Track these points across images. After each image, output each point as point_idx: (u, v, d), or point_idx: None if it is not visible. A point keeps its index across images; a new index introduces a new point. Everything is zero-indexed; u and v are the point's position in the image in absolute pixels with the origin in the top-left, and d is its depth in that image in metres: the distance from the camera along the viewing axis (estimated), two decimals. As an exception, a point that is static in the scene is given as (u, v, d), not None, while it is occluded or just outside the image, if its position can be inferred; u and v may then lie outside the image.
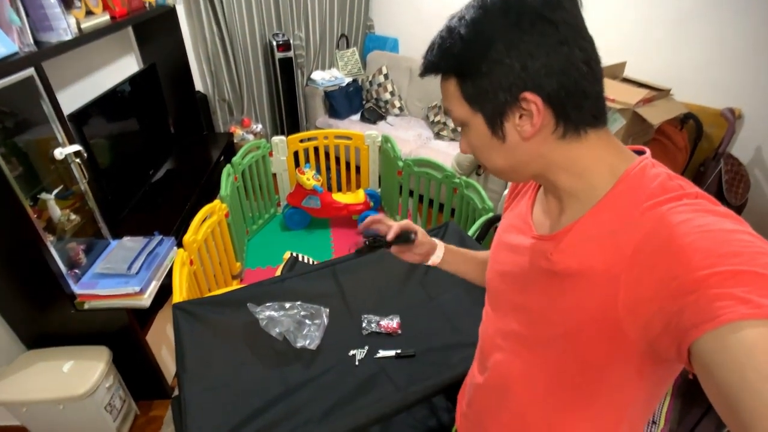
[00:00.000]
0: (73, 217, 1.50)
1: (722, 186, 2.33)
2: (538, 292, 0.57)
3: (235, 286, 2.24)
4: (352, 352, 1.06)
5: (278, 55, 2.97)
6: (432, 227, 1.50)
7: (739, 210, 2.32)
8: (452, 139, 3.06)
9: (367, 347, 1.07)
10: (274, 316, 1.09)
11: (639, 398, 0.53)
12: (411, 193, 2.57)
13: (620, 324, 0.46)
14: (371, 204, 2.71)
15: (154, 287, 1.53)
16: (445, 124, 3.06)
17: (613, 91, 2.18)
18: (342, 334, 1.12)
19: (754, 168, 2.39)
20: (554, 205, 0.57)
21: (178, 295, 1.46)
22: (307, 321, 1.10)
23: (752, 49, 2.20)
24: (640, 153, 0.52)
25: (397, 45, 3.60)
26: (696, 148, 2.46)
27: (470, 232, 1.73)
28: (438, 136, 3.11)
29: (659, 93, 2.19)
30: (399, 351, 1.06)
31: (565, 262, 0.52)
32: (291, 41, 3.01)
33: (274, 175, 2.72)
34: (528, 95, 0.47)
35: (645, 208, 0.45)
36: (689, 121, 2.41)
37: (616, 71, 2.37)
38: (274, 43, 2.95)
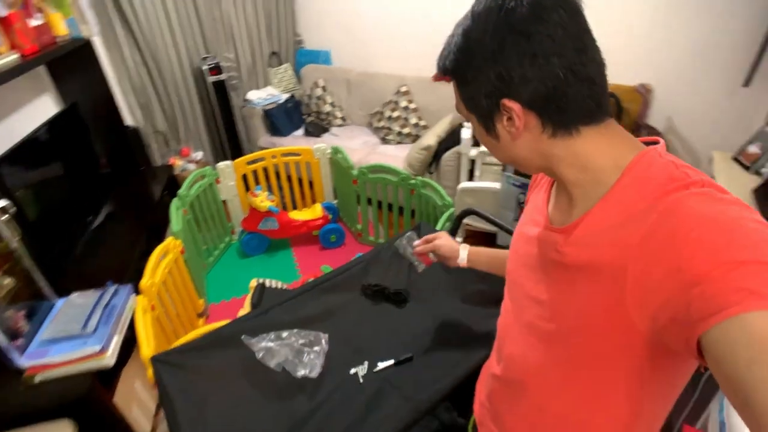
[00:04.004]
0: (6, 280, 1.34)
1: (650, 154, 2.54)
2: (551, 285, 0.58)
3: (202, 325, 2.11)
4: (353, 371, 1.03)
5: (210, 78, 2.86)
6: (403, 231, 1.50)
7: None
8: (399, 143, 3.09)
9: (367, 362, 1.04)
10: (272, 347, 1.03)
11: (656, 391, 0.53)
12: (369, 201, 2.56)
13: (629, 316, 0.46)
14: (330, 217, 2.67)
15: (116, 343, 1.41)
16: (389, 129, 3.09)
17: (544, 78, 2.32)
18: (339, 354, 1.08)
19: (669, 135, 2.62)
20: (565, 198, 0.58)
21: (146, 345, 1.35)
22: (306, 348, 1.05)
23: (655, 27, 2.43)
24: (653, 144, 0.52)
25: (329, 57, 3.59)
26: (619, 122, 2.67)
27: (438, 226, 1.74)
28: (384, 141, 3.13)
29: (584, 76, 2.35)
30: (396, 358, 1.05)
31: (574, 255, 0.53)
32: (221, 64, 2.90)
33: (225, 202, 2.60)
34: (506, 102, 0.50)
35: (652, 199, 0.45)
36: (610, 99, 2.61)
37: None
38: (205, 68, 2.84)
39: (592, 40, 0.49)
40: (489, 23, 0.48)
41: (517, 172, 2.02)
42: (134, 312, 1.47)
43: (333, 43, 3.55)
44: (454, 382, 0.98)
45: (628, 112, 2.59)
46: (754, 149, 2.06)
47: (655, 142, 0.51)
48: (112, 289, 1.53)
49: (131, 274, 1.73)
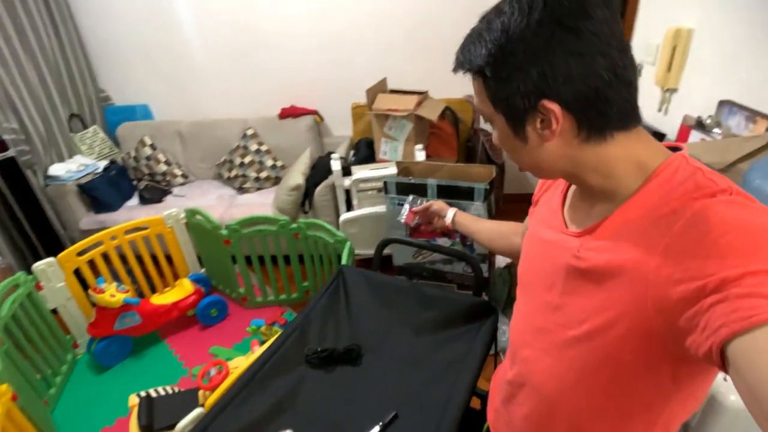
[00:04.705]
0: None
1: (487, 152, 2.89)
2: (567, 289, 0.56)
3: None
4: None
5: (-9, 159, 2.19)
6: (324, 284, 1.35)
7: (502, 167, 2.93)
8: (259, 189, 2.87)
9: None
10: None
11: (673, 400, 0.52)
12: (248, 259, 2.28)
13: (650, 323, 0.45)
14: (203, 290, 2.29)
15: None
16: (245, 176, 2.83)
17: (392, 102, 2.43)
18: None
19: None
20: (584, 203, 0.57)
21: None
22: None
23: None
24: (676, 149, 0.51)
25: (149, 111, 3.14)
26: (458, 130, 2.99)
27: (344, 261, 1.57)
28: (242, 190, 2.86)
29: (422, 96, 2.55)
30: (381, 422, 0.92)
31: (593, 260, 0.52)
32: (3, 137, 2.25)
33: (54, 311, 1.99)
34: (546, 103, 0.47)
35: (678, 204, 0.45)
36: (447, 112, 2.90)
37: (382, 86, 2.64)
38: (-21, 146, 2.16)
39: (628, 42, 0.48)
40: (533, 17, 0.44)
41: (401, 188, 2.05)
42: None
43: (150, 95, 3.12)
44: (456, 419, 0.90)
45: (464, 121, 2.92)
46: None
47: (679, 148, 0.51)
48: None
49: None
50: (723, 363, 0.37)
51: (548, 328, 0.60)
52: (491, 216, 2.00)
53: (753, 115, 1.39)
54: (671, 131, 1.78)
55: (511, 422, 0.71)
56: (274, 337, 1.19)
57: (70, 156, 2.82)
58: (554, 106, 0.46)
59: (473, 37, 0.50)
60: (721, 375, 0.84)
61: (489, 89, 0.51)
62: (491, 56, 0.48)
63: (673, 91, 1.81)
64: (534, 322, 0.64)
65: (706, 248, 0.40)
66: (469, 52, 0.50)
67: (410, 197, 1.27)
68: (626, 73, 0.47)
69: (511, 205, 2.99)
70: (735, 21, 1.46)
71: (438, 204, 1.13)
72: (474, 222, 1.06)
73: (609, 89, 0.46)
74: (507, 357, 0.75)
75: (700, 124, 1.59)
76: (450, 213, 1.09)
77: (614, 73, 0.46)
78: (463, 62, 0.52)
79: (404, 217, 1.20)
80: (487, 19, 0.49)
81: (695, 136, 1.61)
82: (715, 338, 0.37)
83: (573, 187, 0.62)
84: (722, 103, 1.53)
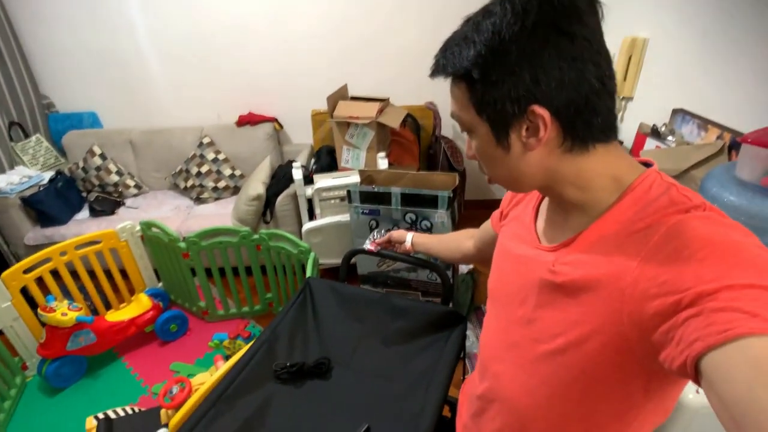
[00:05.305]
0: None
1: (449, 159, 2.98)
2: (541, 303, 0.56)
3: None
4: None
5: None
6: (291, 297, 1.36)
7: (463, 173, 3.02)
8: (217, 199, 2.81)
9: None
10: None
11: (643, 411, 0.52)
12: (209, 272, 2.24)
13: (625, 338, 0.45)
14: (161, 305, 2.23)
15: None
16: (202, 186, 2.77)
17: (353, 110, 2.46)
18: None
19: (458, 140, 3.14)
20: (558, 216, 0.56)
21: None
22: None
23: (427, 52, 2.86)
24: (647, 165, 0.52)
25: (97, 119, 3.00)
26: (420, 138, 3.06)
27: (308, 273, 1.57)
28: (199, 200, 2.79)
29: (384, 103, 2.59)
30: None
31: (568, 274, 0.52)
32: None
33: (0, 332, 1.88)
34: (536, 108, 0.46)
35: (652, 219, 0.45)
36: (408, 119, 2.96)
37: (343, 93, 2.66)
38: None
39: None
40: (528, 19, 0.43)
41: (364, 197, 2.08)
42: None
43: (97, 102, 2.98)
44: (429, 427, 0.92)
45: (425, 128, 2.98)
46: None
47: (650, 164, 0.52)
48: None
49: None
50: (697, 376, 0.37)
51: (521, 343, 0.60)
52: (454, 222, 2.06)
53: (704, 123, 1.46)
54: (627, 139, 1.85)
55: None
56: (240, 352, 1.18)
57: (12, 167, 2.65)
58: (544, 112, 0.46)
59: (457, 40, 0.48)
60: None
61: (474, 93, 0.49)
62: (481, 58, 0.46)
63: (629, 99, 1.88)
64: (506, 337, 0.64)
65: (682, 263, 0.40)
66: (453, 54, 0.48)
67: (375, 230, 1.34)
68: (611, 84, 0.47)
69: (473, 211, 3.08)
70: (688, 32, 1.52)
71: (397, 233, 1.19)
72: (431, 240, 1.12)
73: (597, 98, 0.46)
74: (476, 371, 0.74)
75: (655, 132, 1.65)
76: (408, 237, 1.15)
77: (602, 82, 0.46)
78: (445, 65, 0.50)
79: (368, 247, 1.26)
80: (473, 21, 0.47)
81: (650, 143, 1.67)
82: (689, 352, 0.37)
83: (545, 201, 0.62)
84: (675, 112, 1.58)
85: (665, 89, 1.68)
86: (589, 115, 0.47)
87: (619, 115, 1.96)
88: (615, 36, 1.91)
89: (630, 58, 1.81)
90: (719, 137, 1.42)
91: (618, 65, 1.87)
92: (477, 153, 0.54)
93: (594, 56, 0.45)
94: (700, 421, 0.92)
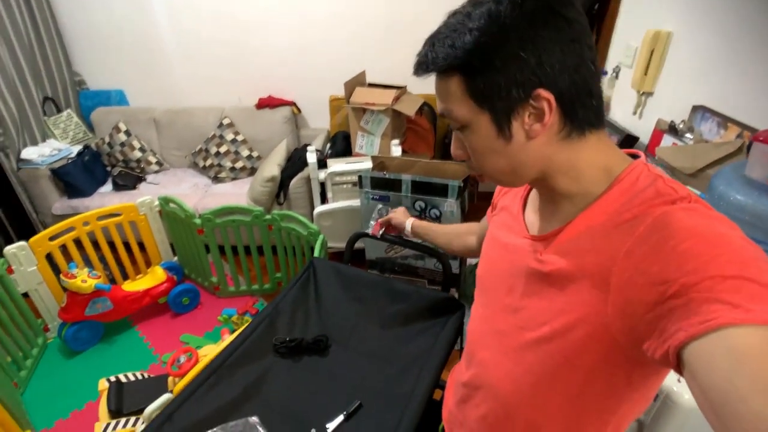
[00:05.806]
0: None
1: (464, 150, 2.97)
2: (528, 292, 0.57)
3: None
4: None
5: (-41, 141, 2.16)
6: (295, 275, 1.40)
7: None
8: (234, 179, 2.88)
9: (314, 430, 0.93)
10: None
11: (626, 400, 0.53)
12: (222, 249, 2.31)
13: (609, 327, 0.46)
14: (175, 278, 2.31)
15: None
16: (220, 166, 2.85)
17: (370, 96, 2.47)
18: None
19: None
20: (547, 206, 0.57)
21: None
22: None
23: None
24: (634, 157, 0.52)
25: (124, 97, 3.11)
26: (436, 127, 3.05)
27: (316, 253, 1.63)
28: (217, 179, 2.87)
29: (400, 90, 2.59)
30: (345, 411, 0.97)
31: (555, 264, 0.52)
32: (-28, 120, 2.22)
33: (26, 295, 2.00)
34: (542, 92, 0.46)
35: (639, 210, 0.45)
36: (424, 108, 2.95)
37: (361, 79, 2.67)
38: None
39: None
40: (526, 5, 0.44)
41: (375, 183, 2.09)
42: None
43: (125, 80, 3.08)
44: (418, 411, 0.95)
45: (442, 117, 2.97)
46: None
47: (637, 156, 0.52)
48: None
49: None
50: (679, 366, 0.38)
51: (507, 331, 0.60)
52: (464, 212, 2.05)
53: (725, 121, 1.40)
54: (645, 135, 1.80)
55: (466, 423, 0.72)
56: (244, 326, 1.23)
57: (44, 140, 2.79)
58: (549, 95, 0.46)
59: (446, 32, 0.48)
60: (674, 376, 0.88)
61: (473, 83, 0.48)
62: (480, 45, 0.45)
63: (649, 95, 1.83)
64: (493, 325, 0.64)
65: (667, 254, 0.40)
66: (444, 46, 0.48)
67: (378, 208, 1.34)
68: (598, 69, 0.48)
69: (485, 202, 3.05)
70: (712, 27, 1.48)
71: (397, 217, 1.21)
72: (431, 227, 1.13)
73: (593, 81, 0.47)
74: (463, 358, 0.75)
75: (672, 129, 1.60)
76: (408, 224, 1.17)
77: (594, 65, 0.47)
78: (435, 59, 0.49)
79: (371, 229, 1.28)
80: (463, 13, 0.47)
81: (667, 140, 1.62)
82: (672, 341, 0.37)
83: (533, 192, 0.62)
84: (695, 108, 1.53)
85: (686, 85, 1.62)
86: (587, 98, 0.48)
87: (638, 111, 1.91)
88: (638, 28, 1.85)
89: (652, 52, 1.75)
90: (739, 136, 1.37)
91: (640, 59, 1.81)
92: (472, 149, 0.53)
93: (588, 39, 0.46)
94: (693, 421, 0.92)
